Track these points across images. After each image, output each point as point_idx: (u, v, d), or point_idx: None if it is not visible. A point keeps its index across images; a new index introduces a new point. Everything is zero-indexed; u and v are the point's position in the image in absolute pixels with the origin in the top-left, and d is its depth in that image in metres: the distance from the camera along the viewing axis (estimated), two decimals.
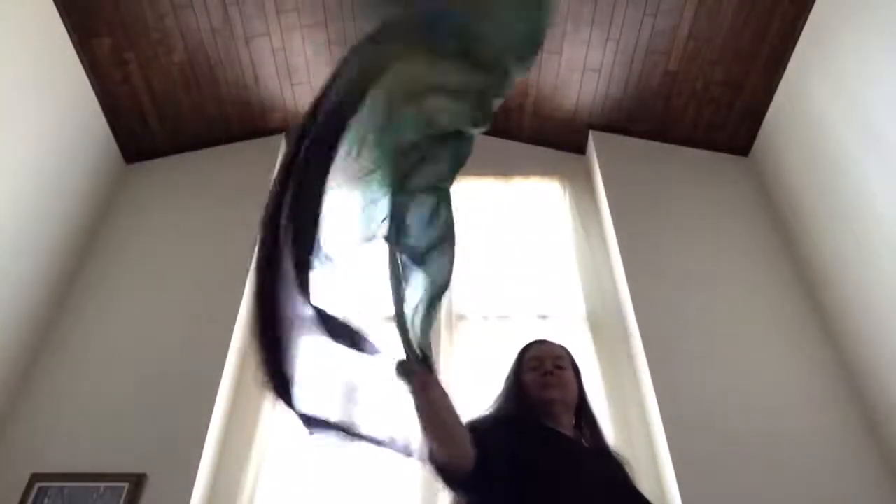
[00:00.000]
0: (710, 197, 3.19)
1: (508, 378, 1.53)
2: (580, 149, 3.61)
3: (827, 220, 2.75)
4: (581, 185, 3.41)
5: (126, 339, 2.63)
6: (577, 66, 3.33)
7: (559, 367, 1.46)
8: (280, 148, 3.44)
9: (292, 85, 3.37)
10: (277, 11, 3.08)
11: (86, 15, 2.85)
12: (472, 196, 3.36)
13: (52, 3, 2.74)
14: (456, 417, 1.21)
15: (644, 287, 2.80)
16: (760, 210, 3.14)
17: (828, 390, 2.50)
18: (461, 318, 2.80)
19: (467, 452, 1.17)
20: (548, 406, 1.41)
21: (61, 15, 2.79)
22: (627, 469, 1.42)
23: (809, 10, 2.84)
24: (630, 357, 2.72)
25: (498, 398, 1.51)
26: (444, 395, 1.23)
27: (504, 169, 3.47)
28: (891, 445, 2.33)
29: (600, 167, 3.32)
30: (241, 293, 2.77)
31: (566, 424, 1.42)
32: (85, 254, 2.93)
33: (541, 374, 1.45)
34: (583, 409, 1.48)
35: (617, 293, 2.94)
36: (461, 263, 3.21)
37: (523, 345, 1.60)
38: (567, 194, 3.33)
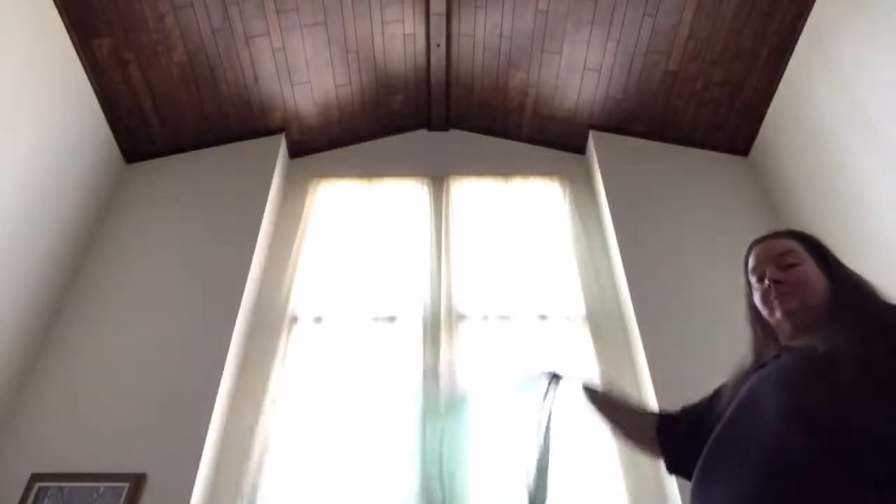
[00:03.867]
0: (710, 197, 3.19)
1: (746, 302, 1.29)
2: (580, 149, 3.61)
3: (826, 220, 2.75)
4: (581, 185, 3.41)
5: (126, 338, 2.63)
6: (577, 66, 3.33)
7: (787, 267, 1.15)
8: (280, 148, 3.44)
9: (292, 85, 3.37)
10: (277, 11, 3.08)
11: (86, 15, 2.85)
12: (472, 196, 3.37)
13: (52, 2, 2.74)
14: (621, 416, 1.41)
15: (644, 287, 2.80)
16: (760, 210, 3.14)
17: None
18: (461, 318, 2.80)
19: (652, 448, 1.35)
20: (789, 321, 1.11)
21: (61, 15, 2.79)
22: None
23: (809, 10, 2.84)
24: (630, 357, 2.72)
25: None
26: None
27: (504, 169, 3.47)
28: None
29: (600, 167, 3.32)
30: (241, 292, 2.77)
31: (824, 329, 1.05)
32: (85, 254, 2.93)
33: (766, 287, 1.16)
34: (836, 295, 1.10)
35: (617, 293, 2.94)
36: (462, 263, 3.21)
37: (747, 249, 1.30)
38: (567, 194, 3.33)
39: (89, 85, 3.00)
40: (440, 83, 3.59)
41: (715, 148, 3.42)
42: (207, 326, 2.65)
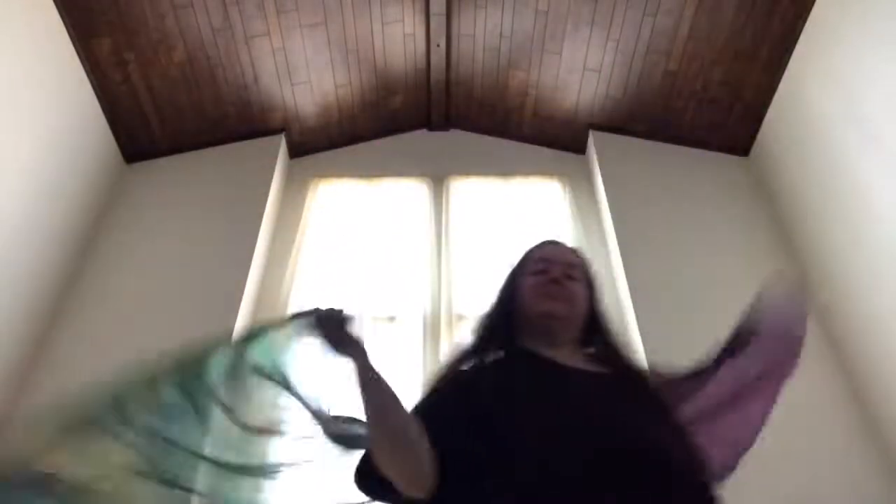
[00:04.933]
0: (710, 197, 3.19)
1: (504, 281, 1.26)
2: (580, 149, 3.61)
3: (826, 220, 2.75)
4: (581, 185, 3.41)
5: (126, 338, 2.62)
6: (577, 66, 3.33)
7: (570, 278, 1.18)
8: (280, 148, 3.44)
9: (292, 85, 3.37)
10: (277, 11, 3.08)
11: (86, 15, 2.85)
12: (472, 196, 3.37)
13: (52, 2, 2.74)
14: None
15: (644, 287, 2.80)
16: (760, 210, 3.14)
17: (827, 390, 2.50)
18: (461, 318, 2.80)
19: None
20: (545, 321, 1.12)
21: (61, 15, 2.79)
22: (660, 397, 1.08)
23: (809, 10, 2.84)
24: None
25: (483, 315, 1.23)
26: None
27: (504, 169, 3.47)
28: (891, 444, 2.33)
29: (600, 167, 3.32)
30: (241, 292, 2.76)
31: (567, 348, 1.13)
32: (85, 254, 2.93)
33: (545, 280, 1.17)
34: (594, 329, 1.20)
35: (617, 293, 2.94)
36: (462, 263, 3.20)
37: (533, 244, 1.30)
38: (567, 194, 3.33)
39: (89, 85, 3.00)
40: (440, 83, 3.59)
41: (715, 148, 3.41)
42: (207, 326, 2.63)
